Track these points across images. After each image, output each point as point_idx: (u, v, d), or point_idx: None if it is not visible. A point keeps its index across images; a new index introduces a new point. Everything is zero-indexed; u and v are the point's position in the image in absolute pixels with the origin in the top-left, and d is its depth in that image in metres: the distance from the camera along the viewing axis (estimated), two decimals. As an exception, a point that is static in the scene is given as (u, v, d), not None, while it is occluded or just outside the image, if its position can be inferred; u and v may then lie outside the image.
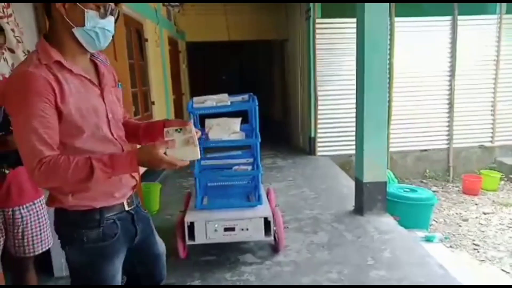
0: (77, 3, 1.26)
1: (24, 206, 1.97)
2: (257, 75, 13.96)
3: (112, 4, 1.33)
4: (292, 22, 7.78)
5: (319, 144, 6.79)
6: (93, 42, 1.32)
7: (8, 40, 2.26)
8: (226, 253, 3.18)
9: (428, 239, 3.91)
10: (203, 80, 11.85)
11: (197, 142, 1.29)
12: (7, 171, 1.81)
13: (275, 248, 3.20)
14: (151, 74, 5.52)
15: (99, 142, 1.36)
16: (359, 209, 4.01)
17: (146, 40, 5.33)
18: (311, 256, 3.15)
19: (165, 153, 1.24)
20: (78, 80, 1.32)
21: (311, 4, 6.41)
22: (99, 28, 1.30)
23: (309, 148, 6.96)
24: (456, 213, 5.31)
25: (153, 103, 5.58)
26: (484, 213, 5.26)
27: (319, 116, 6.69)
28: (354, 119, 4.07)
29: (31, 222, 2.00)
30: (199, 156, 1.29)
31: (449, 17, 6.49)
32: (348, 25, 5.92)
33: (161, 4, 6.41)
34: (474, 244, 4.36)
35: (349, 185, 4.80)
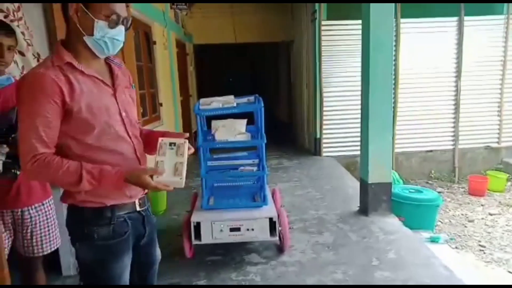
0: (88, 13, 1.32)
1: (33, 207, 1.99)
2: (264, 77, 14.01)
3: (125, 13, 1.39)
4: (298, 24, 7.80)
5: (324, 145, 6.81)
6: (102, 50, 1.39)
7: (18, 43, 2.29)
8: (232, 253, 3.20)
9: (433, 240, 3.91)
10: (210, 82, 11.92)
11: (184, 172, 1.37)
12: (18, 172, 1.84)
13: (280, 248, 3.22)
14: (159, 76, 5.56)
15: (111, 139, 1.41)
16: (364, 210, 4.01)
17: (154, 42, 5.37)
18: (316, 256, 3.16)
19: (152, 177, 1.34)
20: (91, 81, 1.39)
21: (317, 6, 6.43)
22: (108, 38, 1.37)
23: (315, 149, 6.98)
24: (462, 214, 5.28)
25: (161, 104, 5.62)
26: (491, 214, 5.22)
27: (324, 117, 6.70)
28: (359, 120, 4.08)
29: (40, 222, 2.02)
30: (182, 186, 1.38)
31: (455, 18, 6.46)
32: (354, 26, 5.97)
33: (169, 7, 6.46)
34: (480, 245, 4.34)
35: (354, 185, 4.79)
